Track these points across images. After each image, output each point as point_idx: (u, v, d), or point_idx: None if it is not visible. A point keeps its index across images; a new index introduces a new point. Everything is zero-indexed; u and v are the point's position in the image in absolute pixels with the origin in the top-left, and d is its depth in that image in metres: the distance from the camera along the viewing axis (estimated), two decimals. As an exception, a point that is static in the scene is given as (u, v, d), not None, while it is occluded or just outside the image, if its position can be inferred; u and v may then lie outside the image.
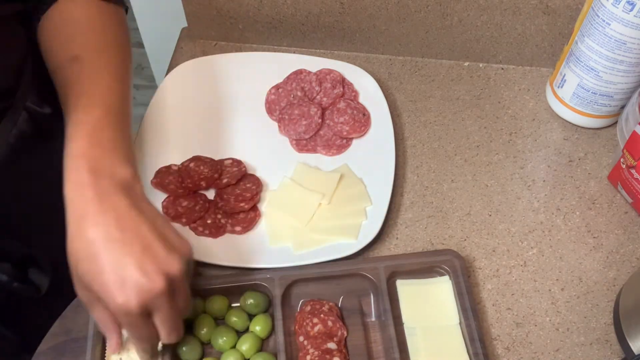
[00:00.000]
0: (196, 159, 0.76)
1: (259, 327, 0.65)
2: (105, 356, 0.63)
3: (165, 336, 0.57)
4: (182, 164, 0.76)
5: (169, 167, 0.76)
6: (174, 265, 0.54)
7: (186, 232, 0.72)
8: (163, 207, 0.73)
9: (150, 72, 1.36)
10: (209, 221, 0.72)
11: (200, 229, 0.72)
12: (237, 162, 0.76)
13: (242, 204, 0.72)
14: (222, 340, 0.64)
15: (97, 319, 0.57)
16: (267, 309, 0.67)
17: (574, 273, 0.72)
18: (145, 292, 0.52)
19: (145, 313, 0.54)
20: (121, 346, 0.60)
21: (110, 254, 0.52)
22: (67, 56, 0.63)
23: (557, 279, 0.71)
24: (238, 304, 0.67)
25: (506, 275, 0.71)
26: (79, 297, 0.57)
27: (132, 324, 0.54)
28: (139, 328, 0.55)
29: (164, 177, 0.75)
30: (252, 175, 0.76)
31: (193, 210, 0.72)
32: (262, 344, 0.65)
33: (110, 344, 0.59)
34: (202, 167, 0.75)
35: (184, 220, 0.72)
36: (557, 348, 0.67)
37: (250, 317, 0.66)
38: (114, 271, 0.52)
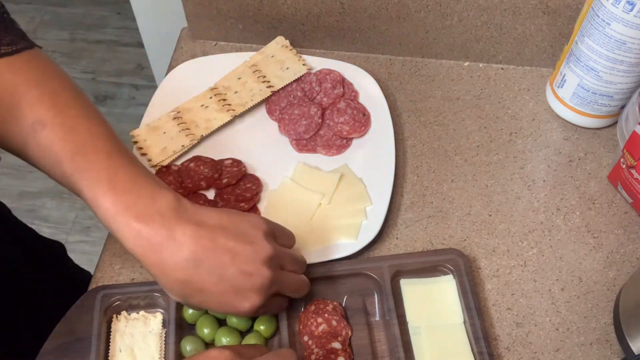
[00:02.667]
0: (196, 159, 0.77)
1: (263, 326, 0.65)
2: (109, 356, 0.63)
3: (296, 294, 0.63)
4: (181, 164, 0.76)
5: (168, 167, 0.76)
6: (265, 249, 0.56)
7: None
8: None
9: (150, 72, 1.36)
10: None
11: (201, 229, 0.72)
12: (237, 162, 0.76)
13: (242, 204, 0.72)
14: (225, 340, 0.64)
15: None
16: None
17: (574, 273, 0.72)
18: (261, 287, 0.56)
19: (272, 296, 0.58)
20: None
21: (211, 278, 0.54)
22: (24, 128, 0.55)
23: (557, 279, 0.71)
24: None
25: (506, 275, 0.72)
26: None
27: (266, 312, 0.60)
28: (272, 308, 0.61)
29: (164, 177, 0.75)
30: (252, 175, 0.76)
31: None
32: (267, 344, 0.65)
33: None
34: (202, 167, 0.75)
35: None
36: (557, 348, 0.67)
37: (254, 317, 0.66)
38: (225, 290, 0.55)
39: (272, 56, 0.86)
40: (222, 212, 0.58)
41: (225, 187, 0.74)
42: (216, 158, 0.77)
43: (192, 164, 0.76)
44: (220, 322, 0.66)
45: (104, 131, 0.57)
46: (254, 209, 0.73)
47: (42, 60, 0.59)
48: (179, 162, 0.77)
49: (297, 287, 0.62)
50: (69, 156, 0.55)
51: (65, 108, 0.56)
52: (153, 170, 0.76)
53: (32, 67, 0.58)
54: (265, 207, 0.74)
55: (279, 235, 0.61)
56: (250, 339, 0.64)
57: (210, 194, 0.75)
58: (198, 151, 0.78)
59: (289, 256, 0.61)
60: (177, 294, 0.55)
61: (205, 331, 0.64)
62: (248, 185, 0.75)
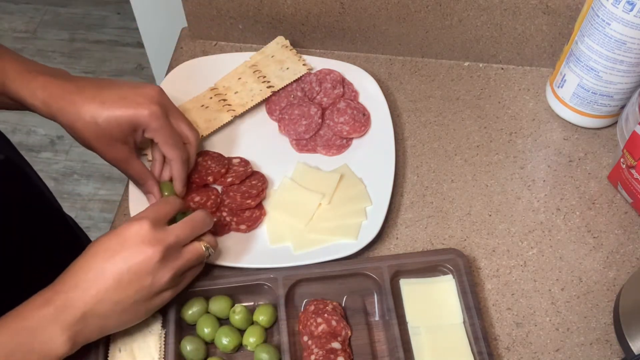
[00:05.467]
0: (204, 153, 0.77)
1: (262, 316, 0.65)
2: (109, 356, 0.63)
3: (189, 131, 0.70)
4: None
5: None
6: (150, 87, 0.68)
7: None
8: None
9: (150, 72, 1.36)
10: (214, 219, 0.72)
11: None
12: (245, 162, 0.76)
13: (248, 201, 0.73)
14: (225, 340, 0.64)
15: (136, 173, 0.69)
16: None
17: (574, 273, 0.72)
18: (153, 95, 0.67)
19: (166, 116, 0.68)
20: (159, 191, 0.71)
21: (113, 95, 0.66)
22: None
23: (557, 279, 0.71)
24: (241, 304, 0.67)
25: (506, 275, 0.72)
26: (114, 159, 0.68)
27: (164, 126, 0.67)
28: (171, 130, 0.68)
29: None
30: (257, 172, 0.76)
31: (204, 206, 0.73)
32: (266, 334, 0.66)
33: (153, 191, 0.70)
34: (209, 162, 0.76)
35: None
36: (557, 348, 0.67)
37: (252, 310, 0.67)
38: (126, 100, 0.65)
39: (272, 56, 0.86)
40: None
41: (230, 185, 0.74)
42: (218, 158, 0.77)
43: (199, 159, 0.76)
44: (221, 322, 0.66)
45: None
46: (259, 207, 0.73)
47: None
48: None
49: (188, 121, 0.71)
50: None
51: None
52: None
53: None
54: (266, 207, 0.74)
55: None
56: (250, 331, 0.65)
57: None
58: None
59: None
60: (87, 118, 0.64)
61: (206, 331, 0.64)
62: (254, 182, 0.75)
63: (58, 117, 0.65)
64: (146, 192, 0.71)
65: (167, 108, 0.68)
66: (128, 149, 0.68)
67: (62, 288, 0.56)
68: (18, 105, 0.67)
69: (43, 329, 0.54)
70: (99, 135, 0.65)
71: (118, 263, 0.57)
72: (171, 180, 0.71)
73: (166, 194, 0.71)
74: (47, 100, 0.64)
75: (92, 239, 1.01)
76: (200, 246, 0.62)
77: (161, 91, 0.69)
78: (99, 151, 0.67)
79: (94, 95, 0.65)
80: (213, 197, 0.74)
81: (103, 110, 0.64)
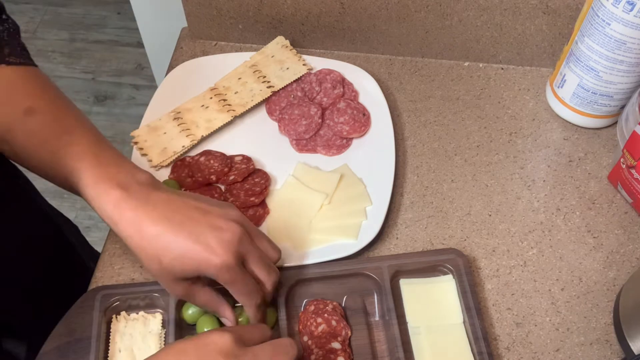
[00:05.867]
0: (206, 152, 0.77)
1: None
2: (108, 356, 0.63)
3: (265, 276, 0.61)
4: (192, 157, 0.77)
5: (183, 160, 0.76)
6: (235, 212, 0.60)
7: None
8: None
9: (150, 72, 1.36)
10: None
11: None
12: (247, 160, 0.77)
13: (252, 199, 0.73)
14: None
15: (204, 303, 0.62)
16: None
17: (574, 273, 0.72)
18: (230, 241, 0.57)
19: (241, 263, 0.58)
20: (234, 314, 0.63)
21: (183, 233, 0.57)
22: (16, 113, 0.60)
23: (557, 279, 0.71)
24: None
25: (506, 275, 0.72)
26: (177, 296, 0.62)
27: (236, 279, 0.58)
28: (243, 281, 0.59)
29: (179, 170, 0.76)
30: (261, 170, 0.76)
31: None
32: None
33: (227, 315, 0.63)
34: (212, 161, 0.76)
35: None
36: (557, 348, 0.67)
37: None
38: (196, 244, 0.57)
39: (272, 56, 0.86)
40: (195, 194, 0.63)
41: (233, 184, 0.74)
42: (217, 158, 0.77)
43: (202, 158, 0.76)
44: (221, 322, 0.66)
45: (89, 122, 0.64)
46: (262, 205, 0.74)
47: (39, 72, 0.65)
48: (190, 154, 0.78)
49: (267, 263, 0.61)
50: (57, 135, 0.60)
51: (55, 100, 0.63)
52: (154, 171, 0.76)
53: (29, 73, 0.64)
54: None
55: (252, 226, 0.62)
56: None
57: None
58: (197, 151, 0.78)
59: (260, 231, 0.62)
60: (152, 253, 0.57)
61: (206, 331, 0.64)
62: (257, 179, 0.75)
63: (124, 239, 0.59)
64: (220, 317, 0.65)
65: (244, 248, 0.59)
66: (190, 283, 0.60)
67: None
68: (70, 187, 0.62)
69: None
70: (161, 274, 0.58)
71: None
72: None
73: (189, 312, 0.66)
74: (115, 221, 0.58)
75: (92, 239, 1.01)
76: None
77: (241, 226, 0.59)
78: (161, 283, 0.60)
79: (163, 230, 0.57)
80: (216, 195, 0.74)
81: (169, 253, 0.57)
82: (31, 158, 0.62)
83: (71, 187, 0.61)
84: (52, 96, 0.63)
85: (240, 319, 0.64)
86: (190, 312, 0.66)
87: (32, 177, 0.88)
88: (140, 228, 0.57)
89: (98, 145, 0.61)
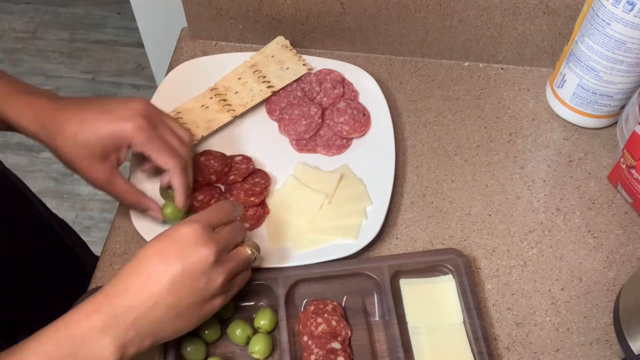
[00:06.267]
0: (207, 152, 0.77)
1: (264, 321, 0.65)
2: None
3: (178, 142, 0.67)
4: (192, 157, 0.77)
5: None
6: (140, 101, 0.66)
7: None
8: None
9: (150, 72, 1.36)
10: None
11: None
12: (247, 159, 0.77)
13: (252, 199, 0.73)
14: (238, 331, 0.65)
15: (125, 192, 0.67)
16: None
17: (574, 273, 0.72)
18: (139, 109, 0.64)
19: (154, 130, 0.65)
20: (157, 204, 0.68)
21: (95, 111, 0.63)
22: None
23: (557, 279, 0.71)
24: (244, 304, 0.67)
25: (506, 275, 0.72)
26: (98, 181, 0.65)
27: (153, 137, 0.64)
28: (158, 140, 0.65)
29: None
30: (260, 170, 0.76)
31: (208, 205, 0.73)
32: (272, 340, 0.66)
33: (151, 206, 0.68)
34: (212, 161, 0.76)
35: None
36: (557, 348, 0.67)
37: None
38: (108, 114, 0.63)
39: (272, 56, 0.86)
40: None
41: (233, 184, 0.74)
42: (217, 158, 0.77)
43: (202, 158, 0.76)
44: (222, 322, 0.66)
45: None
46: (262, 205, 0.74)
47: None
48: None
49: (178, 136, 0.68)
50: None
51: None
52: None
53: None
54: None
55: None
56: (257, 341, 0.64)
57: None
58: (198, 151, 0.78)
59: (170, 117, 0.68)
60: (68, 133, 0.63)
61: (206, 331, 0.64)
62: (257, 179, 0.75)
63: (41, 135, 0.63)
64: (143, 212, 0.69)
65: (153, 118, 0.66)
66: (110, 167, 0.65)
67: (112, 292, 0.54)
68: (6, 126, 0.66)
69: (91, 339, 0.52)
70: (79, 153, 0.63)
71: (172, 264, 0.54)
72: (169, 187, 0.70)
73: (169, 210, 0.69)
74: (32, 118, 0.63)
75: (92, 239, 1.01)
76: (245, 250, 0.61)
77: (147, 102, 0.66)
78: (80, 171, 0.64)
79: (76, 111, 0.63)
80: (217, 195, 0.74)
81: (83, 126, 0.62)
82: None
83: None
84: None
85: (168, 210, 0.68)
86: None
87: (30, 180, 0.88)
88: (54, 117, 0.62)
89: (11, 79, 0.66)
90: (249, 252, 0.61)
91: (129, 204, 0.68)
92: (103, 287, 0.55)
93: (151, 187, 0.74)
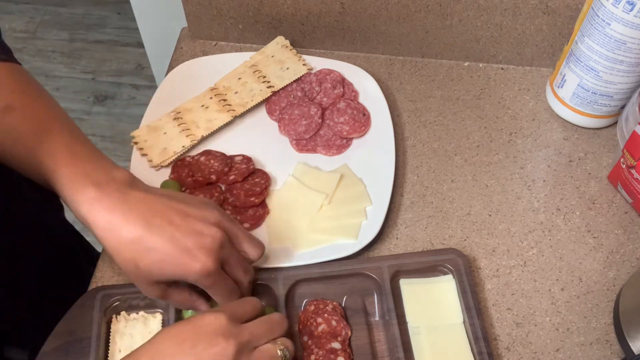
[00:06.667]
0: (207, 152, 0.77)
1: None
2: (108, 356, 0.63)
3: (242, 277, 0.61)
4: (192, 157, 0.77)
5: (183, 160, 0.76)
6: (214, 214, 0.58)
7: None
8: None
9: (150, 72, 1.36)
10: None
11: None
12: (247, 159, 0.77)
13: (252, 199, 0.73)
14: None
15: (179, 303, 0.62)
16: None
17: (574, 273, 0.72)
18: (211, 247, 0.56)
19: (221, 267, 0.58)
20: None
21: (162, 238, 0.55)
22: None
23: (557, 279, 0.71)
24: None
25: (506, 275, 0.72)
26: (152, 297, 0.60)
27: (217, 283, 0.58)
28: (223, 284, 0.59)
29: (179, 169, 0.76)
30: (261, 170, 0.76)
31: None
32: None
33: (205, 309, 0.63)
34: (212, 161, 0.76)
35: None
36: (557, 348, 0.67)
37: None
38: (176, 248, 0.55)
39: (272, 56, 0.86)
40: (173, 191, 0.62)
41: (233, 184, 0.74)
42: (216, 158, 0.77)
43: (202, 158, 0.76)
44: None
45: (68, 119, 0.62)
46: (262, 205, 0.74)
47: (21, 69, 0.64)
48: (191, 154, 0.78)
49: (245, 266, 0.61)
50: (34, 133, 0.59)
51: (35, 97, 0.62)
52: (154, 171, 0.76)
53: (11, 70, 0.63)
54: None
55: (233, 226, 0.61)
56: None
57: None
58: (196, 152, 0.78)
59: (242, 230, 0.62)
60: (129, 257, 0.56)
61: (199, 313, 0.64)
62: (257, 179, 0.75)
63: (99, 241, 0.57)
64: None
65: (225, 249, 0.58)
66: (166, 286, 0.60)
67: None
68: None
69: None
70: (138, 276, 0.57)
71: (187, 351, 0.51)
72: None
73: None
74: (89, 223, 0.56)
75: (92, 239, 1.01)
76: (275, 349, 0.55)
77: (220, 219, 0.59)
78: (135, 283, 0.59)
79: (141, 236, 0.55)
80: (216, 194, 0.74)
81: (147, 258, 0.56)
82: (8, 155, 0.61)
83: (49, 186, 0.59)
84: (33, 93, 0.62)
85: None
86: (190, 312, 0.66)
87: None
88: (117, 230, 0.55)
89: (75, 142, 0.59)
90: (278, 352, 0.56)
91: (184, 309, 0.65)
92: None
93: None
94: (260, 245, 0.63)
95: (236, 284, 0.60)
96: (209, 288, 0.58)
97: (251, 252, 0.62)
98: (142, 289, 0.59)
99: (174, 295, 0.61)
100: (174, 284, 0.59)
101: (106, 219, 0.55)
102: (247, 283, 0.62)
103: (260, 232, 0.72)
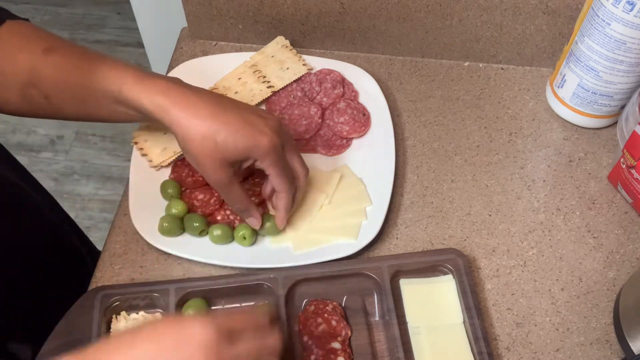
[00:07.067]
0: None
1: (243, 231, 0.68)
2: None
3: (300, 168, 0.68)
4: None
5: (183, 160, 0.76)
6: (272, 118, 0.65)
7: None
8: None
9: (150, 72, 1.35)
10: (218, 217, 0.72)
11: (211, 226, 0.72)
12: None
13: (252, 199, 0.73)
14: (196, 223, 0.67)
15: (239, 198, 0.67)
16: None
17: (574, 273, 0.72)
18: (275, 127, 0.64)
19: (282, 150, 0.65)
20: (261, 218, 0.69)
21: (234, 114, 0.62)
22: (36, 54, 0.63)
23: (557, 279, 0.71)
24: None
25: (506, 275, 0.72)
26: (219, 183, 0.65)
27: (280, 160, 0.64)
28: (286, 163, 0.66)
29: (180, 169, 0.76)
30: (260, 170, 0.76)
31: (208, 204, 0.73)
32: None
33: (256, 216, 0.69)
34: None
35: (199, 213, 0.72)
36: (557, 348, 0.67)
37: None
38: (247, 124, 0.62)
39: (272, 56, 0.86)
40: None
41: None
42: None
43: None
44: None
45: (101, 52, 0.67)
46: (263, 204, 0.73)
47: (37, 26, 0.68)
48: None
49: (301, 159, 0.68)
50: (87, 61, 0.64)
51: (64, 40, 0.67)
52: (154, 171, 0.76)
53: (29, 26, 0.67)
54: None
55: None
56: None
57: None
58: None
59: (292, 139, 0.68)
60: (206, 132, 0.61)
61: (191, 314, 0.64)
62: (257, 179, 0.75)
63: (174, 126, 0.61)
64: (245, 218, 0.69)
65: (284, 141, 0.65)
66: (233, 172, 0.64)
67: (100, 346, 0.50)
68: (134, 113, 0.64)
69: None
70: (213, 154, 0.62)
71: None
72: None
73: (269, 224, 0.70)
74: (167, 107, 0.61)
75: (92, 239, 1.01)
76: None
77: (281, 124, 0.65)
78: (206, 169, 0.63)
79: (217, 111, 0.62)
80: (217, 194, 0.74)
81: (225, 130, 0.61)
82: (63, 90, 0.64)
83: (109, 102, 0.63)
84: (61, 39, 0.66)
85: (268, 224, 0.70)
86: (190, 312, 0.66)
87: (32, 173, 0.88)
88: (195, 109, 0.61)
89: (120, 62, 0.64)
90: None
91: (237, 208, 0.68)
92: (85, 350, 0.50)
93: (152, 186, 0.74)
94: (305, 167, 0.69)
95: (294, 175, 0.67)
96: (273, 165, 0.64)
97: (301, 160, 0.69)
98: (212, 171, 0.63)
99: (236, 187, 0.65)
100: (237, 177, 0.65)
101: (183, 101, 0.61)
102: (303, 177, 0.68)
103: (260, 232, 0.72)
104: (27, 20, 0.68)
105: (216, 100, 0.63)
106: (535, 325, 0.68)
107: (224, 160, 0.62)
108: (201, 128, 0.61)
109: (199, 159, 0.62)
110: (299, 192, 0.70)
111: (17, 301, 0.76)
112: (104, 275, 0.71)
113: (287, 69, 0.84)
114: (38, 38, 0.65)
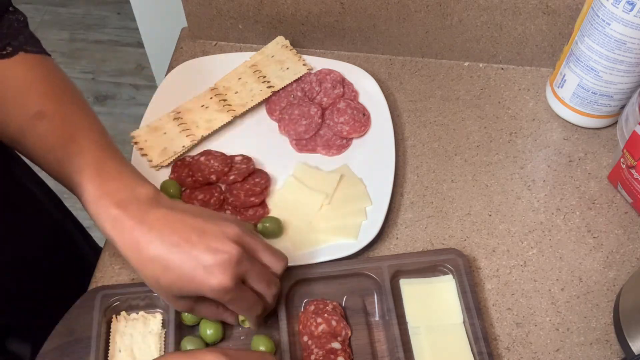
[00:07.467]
0: (207, 152, 0.77)
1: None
2: (108, 356, 0.63)
3: (265, 290, 0.60)
4: (192, 157, 0.77)
5: (183, 160, 0.76)
6: (233, 229, 0.58)
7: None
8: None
9: (150, 72, 1.36)
10: None
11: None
12: (247, 159, 0.77)
13: (252, 199, 0.73)
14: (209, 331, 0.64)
15: (208, 316, 0.63)
16: None
17: (574, 273, 0.72)
18: (228, 264, 0.56)
19: (241, 282, 0.58)
20: (237, 319, 0.65)
21: (179, 256, 0.56)
22: (27, 116, 0.61)
23: (557, 279, 0.71)
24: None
25: (506, 275, 0.72)
26: (180, 310, 0.62)
27: (235, 298, 0.58)
28: (243, 299, 0.59)
29: (180, 170, 0.76)
30: (260, 170, 0.76)
31: (208, 204, 0.73)
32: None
33: (230, 321, 0.64)
34: (212, 161, 0.76)
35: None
36: (557, 348, 0.67)
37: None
38: (192, 267, 0.56)
39: (272, 56, 0.86)
40: (195, 206, 0.63)
41: (233, 184, 0.74)
42: (217, 158, 0.77)
43: (202, 158, 0.76)
44: (224, 324, 0.66)
45: (98, 128, 0.63)
46: (262, 205, 0.74)
47: (53, 66, 0.67)
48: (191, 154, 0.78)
49: (267, 279, 0.60)
50: (62, 143, 0.60)
51: (66, 104, 0.63)
52: (154, 171, 0.76)
53: (44, 68, 0.65)
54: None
55: (256, 240, 0.61)
56: (259, 342, 0.64)
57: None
58: (196, 152, 0.78)
59: (263, 244, 0.61)
60: (150, 274, 0.57)
61: (209, 332, 0.64)
62: (257, 179, 0.75)
63: (124, 257, 0.59)
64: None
65: (244, 264, 0.58)
66: (193, 300, 0.61)
67: None
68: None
69: None
70: (162, 291, 0.59)
71: None
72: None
73: (170, 190, 0.71)
74: (114, 241, 0.58)
75: (92, 239, 1.01)
76: None
77: (240, 234, 0.59)
78: (161, 297, 0.62)
79: (160, 254, 0.56)
80: (216, 194, 0.74)
81: (166, 277, 0.57)
82: (40, 162, 0.63)
83: (77, 198, 0.61)
84: (64, 98, 0.64)
85: (268, 224, 0.69)
86: (189, 346, 0.65)
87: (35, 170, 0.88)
88: (138, 250, 0.57)
89: (102, 156, 0.61)
90: None
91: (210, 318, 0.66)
92: None
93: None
94: (282, 257, 0.63)
95: (260, 297, 0.61)
96: (228, 304, 0.59)
97: (273, 265, 0.62)
98: (169, 303, 0.61)
99: (200, 309, 0.61)
100: (202, 297, 0.59)
101: (127, 239, 0.57)
102: (271, 296, 0.62)
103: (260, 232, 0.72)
104: (43, 51, 0.66)
105: (162, 237, 0.57)
106: (535, 325, 0.68)
107: (175, 296, 0.59)
108: (145, 270, 0.58)
109: (154, 291, 0.60)
110: (268, 308, 0.64)
111: (17, 300, 0.76)
112: (104, 275, 0.71)
113: (287, 69, 0.84)
114: (37, 94, 0.62)
